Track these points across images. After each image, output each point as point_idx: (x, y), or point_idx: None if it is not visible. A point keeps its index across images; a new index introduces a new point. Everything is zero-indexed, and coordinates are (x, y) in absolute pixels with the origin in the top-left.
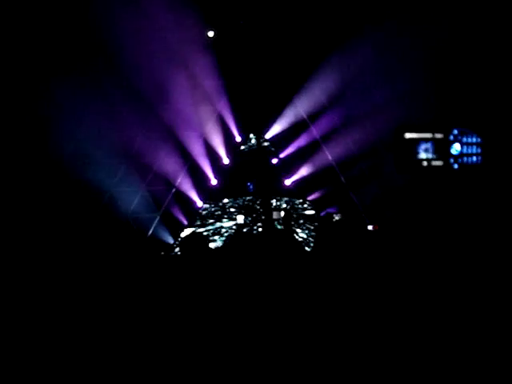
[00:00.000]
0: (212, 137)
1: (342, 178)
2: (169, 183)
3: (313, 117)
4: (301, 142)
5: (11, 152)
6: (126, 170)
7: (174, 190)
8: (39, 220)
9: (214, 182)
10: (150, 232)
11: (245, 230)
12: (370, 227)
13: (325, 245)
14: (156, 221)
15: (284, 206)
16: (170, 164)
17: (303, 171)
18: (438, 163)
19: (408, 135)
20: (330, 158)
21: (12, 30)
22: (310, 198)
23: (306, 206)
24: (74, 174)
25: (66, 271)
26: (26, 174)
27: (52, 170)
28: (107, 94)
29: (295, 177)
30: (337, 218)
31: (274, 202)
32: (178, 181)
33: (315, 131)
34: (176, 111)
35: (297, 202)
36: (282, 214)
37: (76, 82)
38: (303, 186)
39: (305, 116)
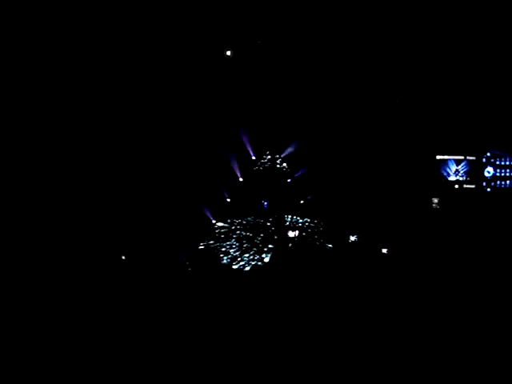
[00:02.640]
0: (227, 155)
1: (359, 199)
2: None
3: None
4: (316, 161)
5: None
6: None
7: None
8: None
9: (228, 199)
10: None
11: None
12: (384, 250)
13: (339, 265)
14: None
15: (299, 224)
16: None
17: (318, 191)
18: (470, 186)
19: (439, 157)
20: (345, 177)
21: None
22: (325, 218)
23: (320, 225)
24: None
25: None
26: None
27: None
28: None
29: (310, 196)
30: (352, 238)
31: (288, 220)
32: (192, 197)
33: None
34: (191, 127)
35: (311, 221)
36: (297, 232)
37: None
38: (318, 206)
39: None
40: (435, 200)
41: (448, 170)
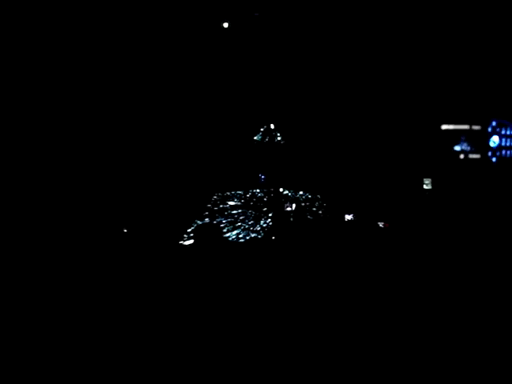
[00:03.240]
0: (225, 127)
1: (355, 173)
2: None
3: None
4: (314, 134)
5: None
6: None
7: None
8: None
9: (226, 172)
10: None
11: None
12: (380, 224)
13: (335, 242)
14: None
15: (296, 199)
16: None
17: (316, 165)
18: (476, 156)
19: (445, 126)
20: (343, 151)
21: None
22: (322, 194)
23: (317, 200)
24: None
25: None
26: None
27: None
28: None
29: (307, 170)
30: (348, 217)
31: (286, 194)
32: (189, 170)
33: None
34: (188, 99)
35: (308, 195)
36: (294, 206)
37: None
38: (316, 181)
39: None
40: (426, 181)
41: (454, 140)
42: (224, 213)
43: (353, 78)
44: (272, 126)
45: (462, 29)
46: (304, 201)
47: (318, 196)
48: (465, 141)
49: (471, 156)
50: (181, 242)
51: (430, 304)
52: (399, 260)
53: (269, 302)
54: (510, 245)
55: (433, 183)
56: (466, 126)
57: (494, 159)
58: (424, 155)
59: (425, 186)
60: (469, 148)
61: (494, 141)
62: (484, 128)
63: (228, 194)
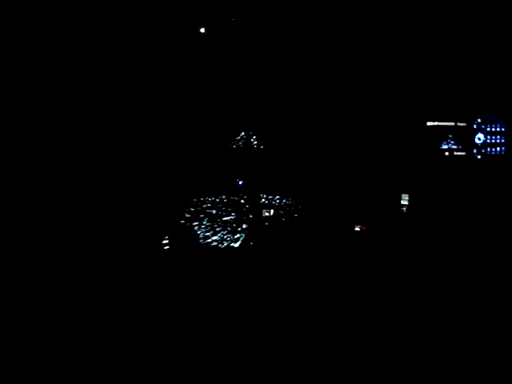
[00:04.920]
0: (202, 133)
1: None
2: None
3: (306, 113)
4: (292, 139)
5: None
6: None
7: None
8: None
9: (203, 177)
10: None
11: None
12: (357, 228)
13: (313, 245)
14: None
15: (273, 203)
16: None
17: (293, 169)
18: (461, 153)
19: (430, 123)
20: (320, 154)
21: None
22: (300, 197)
23: (295, 204)
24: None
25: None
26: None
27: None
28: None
29: (285, 174)
30: (326, 221)
31: (263, 199)
32: (168, 174)
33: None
34: (166, 106)
35: (286, 200)
36: (272, 211)
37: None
38: (293, 184)
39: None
40: (405, 197)
41: (439, 137)
42: (201, 218)
43: (333, 78)
44: (250, 132)
45: (447, 26)
46: (281, 206)
47: (296, 200)
48: (450, 138)
49: (456, 153)
50: (156, 247)
51: (412, 306)
52: (377, 263)
53: (246, 306)
54: (496, 243)
55: (410, 199)
56: (451, 123)
57: (479, 157)
58: (407, 152)
59: (402, 202)
60: (454, 145)
61: (479, 137)
62: (469, 125)
63: (205, 199)
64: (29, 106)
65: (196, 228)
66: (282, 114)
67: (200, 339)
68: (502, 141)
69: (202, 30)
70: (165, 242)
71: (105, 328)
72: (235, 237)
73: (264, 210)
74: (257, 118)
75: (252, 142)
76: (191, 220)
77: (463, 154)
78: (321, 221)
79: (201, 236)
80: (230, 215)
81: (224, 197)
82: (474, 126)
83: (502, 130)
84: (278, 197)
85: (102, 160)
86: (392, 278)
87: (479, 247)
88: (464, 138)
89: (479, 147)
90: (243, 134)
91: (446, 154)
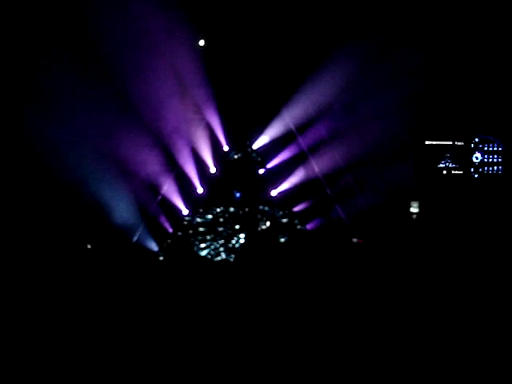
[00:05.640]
0: (199, 145)
1: (328, 191)
2: (155, 191)
3: (301, 128)
4: (288, 153)
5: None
6: (112, 176)
7: (159, 197)
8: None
9: (200, 190)
10: (134, 239)
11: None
12: (354, 240)
13: (308, 256)
14: (140, 228)
15: (270, 216)
16: (156, 172)
17: (289, 182)
18: (459, 172)
19: (428, 142)
20: (316, 169)
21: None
22: (295, 210)
23: (291, 217)
24: (57, 177)
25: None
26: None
27: (33, 170)
28: (95, 98)
29: (281, 187)
30: (322, 233)
31: (260, 211)
32: (164, 189)
33: (303, 143)
34: (164, 119)
35: (282, 212)
36: (268, 223)
37: (64, 84)
38: (289, 197)
39: (293, 127)
40: (414, 204)
41: (437, 155)
42: (198, 230)
43: (332, 94)
44: (248, 143)
45: (446, 44)
46: (279, 217)
47: (295, 212)
48: (447, 157)
49: (454, 172)
50: (153, 259)
51: (407, 315)
52: (376, 274)
53: (241, 318)
54: (492, 258)
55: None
56: (449, 142)
57: (476, 175)
58: (406, 170)
59: (412, 209)
60: (451, 164)
61: (477, 157)
62: (467, 144)
63: (202, 210)
64: None
65: (192, 239)
66: (280, 122)
67: (196, 345)
68: (499, 160)
69: (202, 43)
70: (160, 253)
71: (101, 337)
72: (231, 248)
73: (261, 222)
74: (254, 128)
75: (250, 155)
76: (187, 232)
77: (461, 172)
78: (319, 234)
79: (196, 248)
80: (227, 227)
81: (221, 208)
82: (472, 146)
83: (499, 149)
84: (275, 209)
85: (101, 170)
86: (390, 289)
87: (476, 265)
88: (462, 157)
89: (476, 166)
90: (241, 146)
91: (444, 172)
